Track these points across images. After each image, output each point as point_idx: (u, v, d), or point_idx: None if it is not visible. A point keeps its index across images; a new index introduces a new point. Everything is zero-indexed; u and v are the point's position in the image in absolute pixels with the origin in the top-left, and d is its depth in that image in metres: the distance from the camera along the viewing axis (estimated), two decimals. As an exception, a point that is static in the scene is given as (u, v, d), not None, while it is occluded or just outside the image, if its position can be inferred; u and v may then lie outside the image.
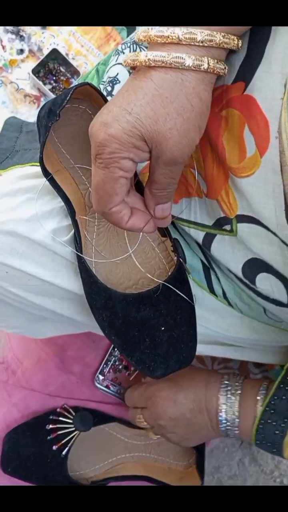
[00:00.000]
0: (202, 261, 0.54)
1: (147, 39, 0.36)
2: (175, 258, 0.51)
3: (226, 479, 0.97)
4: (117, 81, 0.58)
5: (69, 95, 0.46)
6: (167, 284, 0.49)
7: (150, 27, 0.36)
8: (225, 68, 0.37)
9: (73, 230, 0.52)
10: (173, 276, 0.50)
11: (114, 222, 0.41)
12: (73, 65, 0.97)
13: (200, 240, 0.50)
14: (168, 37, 0.34)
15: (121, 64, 0.59)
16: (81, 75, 0.98)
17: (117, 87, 0.59)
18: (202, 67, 0.34)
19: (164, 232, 0.54)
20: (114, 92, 0.59)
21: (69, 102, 0.49)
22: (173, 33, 0.34)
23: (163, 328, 0.49)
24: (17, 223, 0.51)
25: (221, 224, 0.47)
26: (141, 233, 0.54)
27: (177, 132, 0.35)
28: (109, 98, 0.58)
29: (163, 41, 0.35)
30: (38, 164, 0.51)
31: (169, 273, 0.51)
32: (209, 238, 0.49)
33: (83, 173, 0.55)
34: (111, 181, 0.37)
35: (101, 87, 0.61)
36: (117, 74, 0.59)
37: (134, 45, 0.58)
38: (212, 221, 0.48)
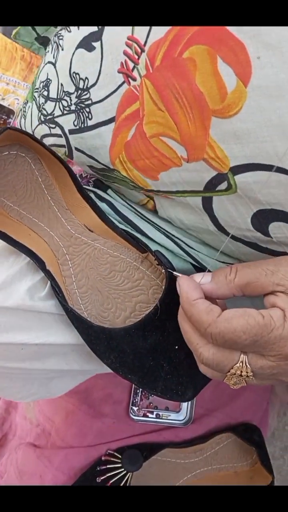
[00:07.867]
0: (192, 263, 0.50)
1: None
2: (163, 270, 0.48)
3: (297, 457, 0.93)
4: (50, 81, 0.52)
5: (-8, 148, 0.43)
6: (164, 301, 0.45)
7: None
8: None
9: (49, 282, 0.48)
10: (168, 289, 0.46)
11: None
12: (4, 105, 0.94)
13: (200, 206, 0.45)
14: None
15: (50, 62, 0.52)
16: (16, 112, 0.94)
17: (51, 87, 0.52)
18: None
19: (142, 247, 0.50)
20: (51, 95, 0.52)
21: (-4, 153, 0.46)
22: None
23: (177, 347, 0.46)
24: None
25: (214, 184, 0.42)
26: (121, 259, 0.51)
27: None
28: (48, 102, 0.52)
29: None
30: (-11, 227, 0.47)
31: (163, 288, 0.48)
32: (207, 201, 0.44)
33: (39, 219, 0.51)
34: None
35: (36, 95, 0.55)
36: (47, 74, 0.53)
37: (55, 44, 0.53)
38: (201, 185, 0.43)
